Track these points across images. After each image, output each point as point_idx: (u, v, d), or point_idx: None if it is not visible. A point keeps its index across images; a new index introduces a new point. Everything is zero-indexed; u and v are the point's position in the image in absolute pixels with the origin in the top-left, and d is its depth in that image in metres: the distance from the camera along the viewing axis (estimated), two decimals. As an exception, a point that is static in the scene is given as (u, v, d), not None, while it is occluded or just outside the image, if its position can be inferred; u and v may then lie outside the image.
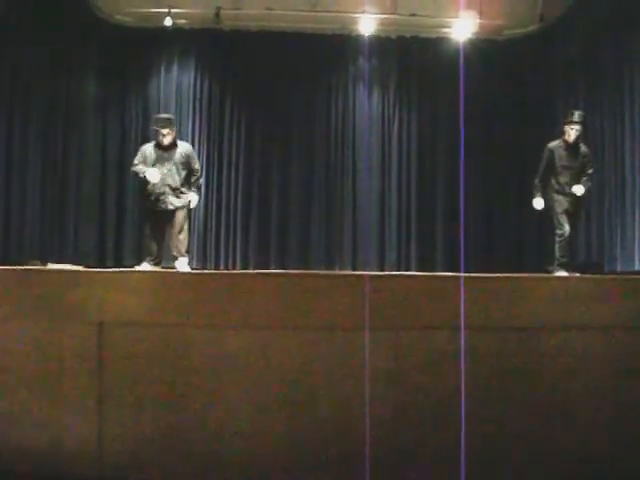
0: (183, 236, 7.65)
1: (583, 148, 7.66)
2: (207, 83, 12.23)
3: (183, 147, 7.81)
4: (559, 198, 7.51)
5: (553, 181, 7.58)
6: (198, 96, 12.13)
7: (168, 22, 11.53)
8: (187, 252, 7.80)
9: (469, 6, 11.17)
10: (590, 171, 7.63)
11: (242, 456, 4.29)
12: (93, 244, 11.47)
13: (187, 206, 7.76)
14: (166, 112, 11.88)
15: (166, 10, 11.49)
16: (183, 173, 7.64)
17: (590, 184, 7.68)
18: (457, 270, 10.71)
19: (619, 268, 9.09)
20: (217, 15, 11.79)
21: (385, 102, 12.42)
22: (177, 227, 7.59)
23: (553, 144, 7.65)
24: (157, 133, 7.68)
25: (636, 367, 4.45)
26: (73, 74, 10.93)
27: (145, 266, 7.42)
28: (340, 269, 11.78)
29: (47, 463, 4.31)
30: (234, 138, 12.24)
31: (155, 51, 12.10)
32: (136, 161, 7.67)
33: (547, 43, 11.60)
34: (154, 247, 7.58)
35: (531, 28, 11.96)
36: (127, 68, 12.00)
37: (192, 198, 7.78)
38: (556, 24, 11.45)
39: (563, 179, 7.51)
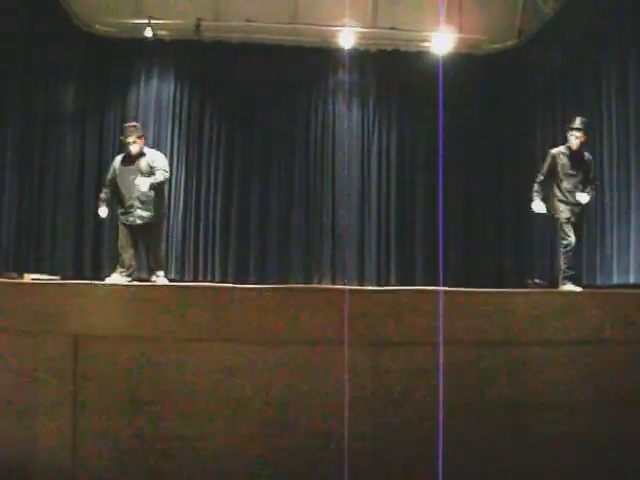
0: (158, 251, 7.53)
1: (587, 156, 7.49)
2: (187, 94, 12.22)
3: (150, 155, 7.55)
4: (562, 207, 7.28)
5: (556, 189, 7.35)
6: (177, 107, 12.12)
7: (148, 33, 11.54)
8: (162, 267, 7.64)
9: (449, 21, 11.26)
10: (596, 181, 7.52)
11: (218, 471, 4.25)
12: (70, 255, 11.38)
13: (161, 218, 7.63)
14: (145, 123, 11.88)
15: (146, 21, 11.49)
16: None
17: (595, 193, 7.56)
18: (436, 284, 10.75)
19: (598, 282, 9.14)
20: (197, 27, 11.81)
21: (365, 115, 12.48)
22: (152, 242, 7.45)
23: (556, 150, 7.46)
24: (123, 142, 7.51)
25: (610, 382, 4.46)
26: (51, 84, 10.85)
27: (116, 277, 7.25)
28: (319, 282, 11.77)
29: (20, 475, 4.25)
30: (213, 149, 12.23)
31: (135, 62, 12.08)
32: (108, 176, 7.56)
33: (525, 58, 11.74)
34: (126, 259, 7.39)
35: (509, 43, 12.10)
36: (106, 78, 11.98)
37: (141, 181, 7.19)
38: (534, 39, 11.60)
39: (566, 186, 7.30)
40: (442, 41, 11.38)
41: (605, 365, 4.45)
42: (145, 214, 7.32)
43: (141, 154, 7.45)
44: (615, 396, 4.43)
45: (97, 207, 7.62)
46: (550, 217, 7.56)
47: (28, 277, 9.26)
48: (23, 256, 9.93)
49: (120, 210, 7.41)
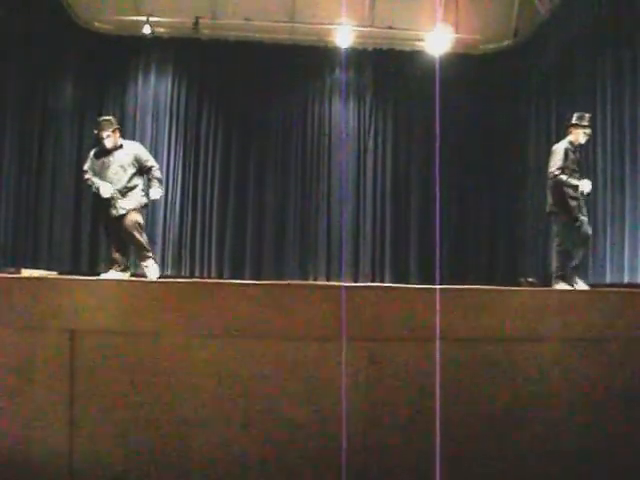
0: (139, 237, 7.24)
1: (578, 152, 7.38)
2: (184, 91, 12.27)
3: (129, 147, 7.42)
4: (574, 204, 7.07)
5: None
6: (175, 104, 12.17)
7: (147, 30, 11.56)
8: (149, 252, 7.36)
9: (445, 20, 11.30)
10: None
11: (215, 468, 4.28)
12: (68, 250, 11.41)
13: (138, 206, 7.33)
14: (143, 120, 11.93)
15: (145, 19, 11.52)
16: (130, 172, 7.23)
17: None
18: (430, 281, 10.83)
19: (591, 281, 9.18)
20: (196, 25, 11.83)
21: (361, 114, 12.55)
22: (130, 230, 7.17)
23: (565, 145, 7.20)
24: (97, 136, 7.32)
25: (603, 380, 4.50)
26: (50, 81, 10.89)
27: (112, 274, 7.16)
28: (314, 279, 11.83)
29: (16, 473, 4.26)
30: (210, 146, 12.29)
31: (133, 59, 12.13)
32: (86, 167, 7.33)
33: (521, 58, 11.79)
34: (118, 255, 7.27)
35: (505, 43, 12.16)
36: (105, 76, 12.01)
37: (153, 193, 7.34)
38: (530, 39, 11.64)
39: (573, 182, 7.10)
40: (438, 41, 11.42)
41: (599, 362, 4.48)
42: (126, 203, 7.17)
43: (117, 147, 7.30)
44: (608, 393, 4.47)
45: (96, 190, 7.21)
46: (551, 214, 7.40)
47: (25, 272, 9.29)
48: (20, 251, 9.97)
49: (102, 204, 7.23)
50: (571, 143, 7.22)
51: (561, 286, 7.01)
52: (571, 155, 7.17)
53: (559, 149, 7.20)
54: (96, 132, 7.36)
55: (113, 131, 7.28)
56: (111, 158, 7.24)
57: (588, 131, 7.25)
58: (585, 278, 9.21)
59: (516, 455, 4.35)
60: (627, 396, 4.45)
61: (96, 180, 7.20)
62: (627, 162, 8.59)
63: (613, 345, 4.46)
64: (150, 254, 7.38)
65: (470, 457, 4.30)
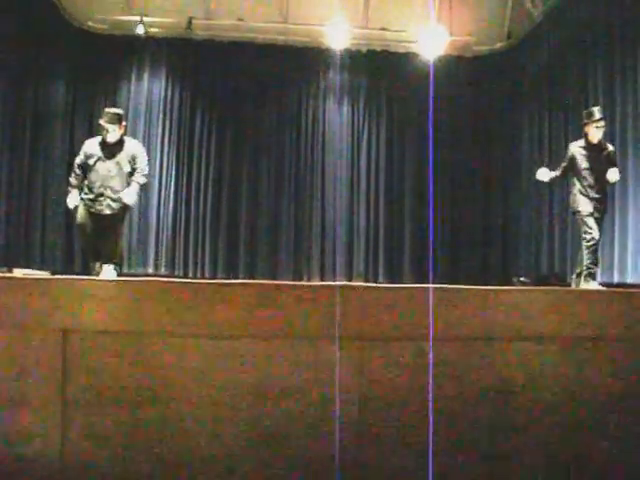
0: (117, 244, 7.02)
1: (608, 147, 7.14)
2: (177, 92, 12.26)
3: (130, 145, 7.13)
4: (585, 201, 6.89)
5: (577, 183, 7.01)
6: (168, 105, 12.15)
7: (140, 30, 11.54)
8: (117, 258, 7.02)
9: (439, 22, 11.33)
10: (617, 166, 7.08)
11: (206, 464, 4.29)
12: (60, 249, 11.38)
13: (126, 211, 7.17)
14: (136, 119, 11.90)
15: (138, 18, 11.52)
16: (126, 171, 6.97)
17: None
18: (423, 281, 10.86)
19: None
20: (189, 25, 11.84)
21: (354, 115, 12.56)
22: (114, 235, 6.98)
23: (575, 144, 7.10)
24: (102, 128, 6.99)
25: (595, 379, 4.53)
26: (42, 80, 10.85)
27: (108, 269, 6.80)
28: (308, 279, 11.84)
29: (9, 471, 4.26)
30: (204, 147, 12.28)
31: (126, 59, 12.10)
32: (78, 160, 7.01)
33: (514, 60, 11.85)
34: (98, 255, 6.97)
35: (498, 45, 12.21)
36: (97, 75, 11.99)
37: (126, 193, 6.87)
38: (523, 42, 11.69)
39: (587, 182, 6.95)
40: (432, 42, 11.43)
41: (592, 361, 4.51)
42: (114, 204, 6.90)
43: (119, 143, 7.03)
44: (599, 390, 4.50)
45: (66, 194, 6.94)
46: (573, 212, 7.21)
47: (18, 272, 9.27)
48: (13, 251, 9.93)
49: (88, 197, 6.92)
50: (587, 142, 7.06)
51: (592, 285, 6.74)
52: (583, 154, 7.02)
53: (567, 151, 7.19)
54: (101, 123, 7.02)
55: (119, 126, 7.02)
56: (110, 154, 6.97)
57: (600, 124, 7.03)
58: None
59: (513, 454, 4.38)
60: (619, 393, 4.50)
61: (72, 189, 6.92)
62: (618, 163, 8.61)
63: (606, 344, 4.50)
64: (117, 260, 7.04)
65: (465, 456, 4.32)
